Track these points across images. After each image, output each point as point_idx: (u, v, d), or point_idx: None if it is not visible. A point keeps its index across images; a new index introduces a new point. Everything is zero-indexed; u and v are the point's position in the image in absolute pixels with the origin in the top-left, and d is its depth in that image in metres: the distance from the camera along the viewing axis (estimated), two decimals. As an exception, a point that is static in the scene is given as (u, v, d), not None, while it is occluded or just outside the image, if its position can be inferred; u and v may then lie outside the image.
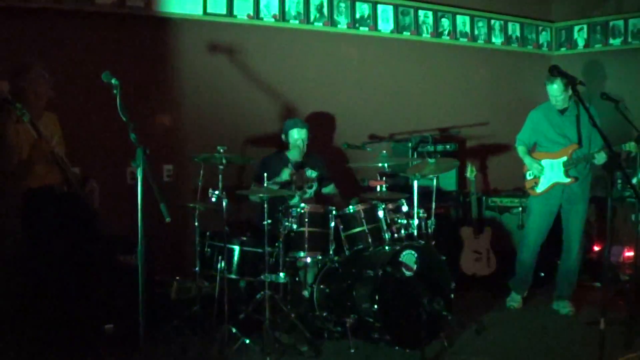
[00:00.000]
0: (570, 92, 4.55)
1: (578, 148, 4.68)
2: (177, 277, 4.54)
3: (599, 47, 6.56)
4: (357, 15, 5.78)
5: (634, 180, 4.90)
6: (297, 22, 5.50)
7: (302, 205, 4.28)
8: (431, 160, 4.35)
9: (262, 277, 4.07)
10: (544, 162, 4.81)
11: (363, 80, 5.92)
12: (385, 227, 4.29)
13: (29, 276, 3.80)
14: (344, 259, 4.31)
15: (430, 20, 6.18)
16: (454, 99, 6.39)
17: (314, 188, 5.02)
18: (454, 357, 3.89)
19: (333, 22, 5.67)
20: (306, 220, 4.22)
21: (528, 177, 4.96)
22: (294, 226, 4.19)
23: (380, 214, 4.29)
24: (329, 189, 5.10)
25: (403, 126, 5.99)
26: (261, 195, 4.14)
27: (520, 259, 5.01)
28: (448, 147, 5.85)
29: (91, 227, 4.00)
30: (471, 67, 6.51)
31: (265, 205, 4.02)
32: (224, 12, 5.15)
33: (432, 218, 4.43)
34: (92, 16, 4.66)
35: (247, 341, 3.88)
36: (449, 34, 6.30)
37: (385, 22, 5.93)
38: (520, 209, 5.65)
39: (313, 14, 5.57)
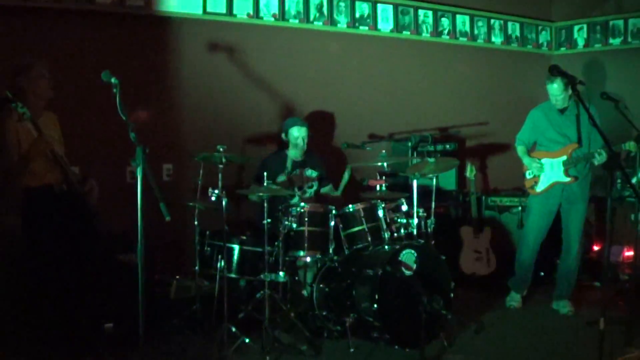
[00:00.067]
0: (570, 91, 4.55)
1: (578, 147, 4.68)
2: (177, 276, 4.54)
3: (599, 47, 6.56)
4: (357, 15, 5.78)
5: (634, 180, 4.91)
6: (296, 21, 5.50)
7: (302, 204, 4.28)
8: (431, 160, 4.35)
9: (261, 276, 4.06)
10: (543, 161, 4.81)
11: (363, 80, 5.91)
12: (384, 227, 4.29)
13: (28, 275, 3.79)
14: (344, 258, 4.31)
15: (430, 19, 6.18)
16: (454, 98, 6.38)
17: (314, 188, 5.02)
18: (453, 356, 3.89)
19: (333, 22, 5.67)
20: (306, 219, 4.21)
21: (528, 177, 4.95)
22: (294, 225, 4.19)
23: (380, 213, 4.29)
24: (327, 189, 5.11)
25: (403, 125, 5.99)
26: (261, 194, 4.14)
27: (519, 258, 5.01)
28: (448, 146, 5.86)
29: (91, 226, 3.98)
30: (471, 66, 6.50)
31: (265, 205, 4.02)
32: (224, 11, 5.14)
33: (432, 217, 4.43)
34: (92, 15, 4.66)
35: (247, 340, 3.88)
36: (448, 34, 6.30)
37: (385, 22, 5.93)
38: (520, 208, 5.64)
39: (313, 13, 5.56)
